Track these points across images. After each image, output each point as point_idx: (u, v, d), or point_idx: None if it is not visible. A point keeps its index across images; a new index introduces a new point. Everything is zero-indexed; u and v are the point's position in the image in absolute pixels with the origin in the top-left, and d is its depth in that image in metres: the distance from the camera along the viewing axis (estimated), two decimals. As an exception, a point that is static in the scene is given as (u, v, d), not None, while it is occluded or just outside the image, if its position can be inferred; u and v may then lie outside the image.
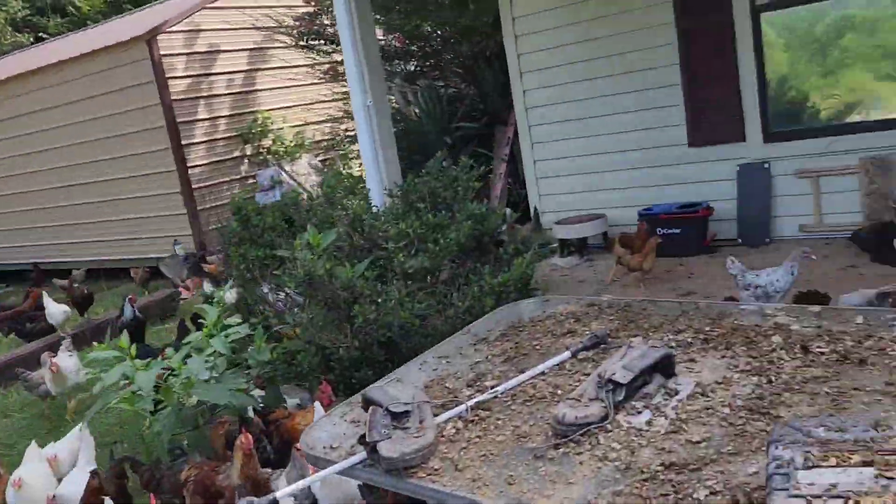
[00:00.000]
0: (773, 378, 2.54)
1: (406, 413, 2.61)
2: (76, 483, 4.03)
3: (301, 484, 2.71)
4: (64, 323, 9.05)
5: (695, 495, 1.97)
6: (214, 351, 4.09)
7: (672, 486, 2.03)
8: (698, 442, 2.23)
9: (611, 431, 2.39)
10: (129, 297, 7.88)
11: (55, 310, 8.96)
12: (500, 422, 2.64)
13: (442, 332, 4.49)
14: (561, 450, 2.36)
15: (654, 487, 2.05)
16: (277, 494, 2.49)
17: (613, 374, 2.54)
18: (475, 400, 2.79)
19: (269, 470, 4.07)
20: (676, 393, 2.54)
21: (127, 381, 4.13)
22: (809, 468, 1.70)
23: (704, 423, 2.33)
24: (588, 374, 2.75)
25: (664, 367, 2.64)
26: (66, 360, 6.24)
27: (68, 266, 12.82)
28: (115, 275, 13.02)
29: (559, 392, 2.74)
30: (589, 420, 2.42)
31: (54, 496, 4.00)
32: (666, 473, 2.10)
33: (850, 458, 1.69)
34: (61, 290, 10.38)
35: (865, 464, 1.66)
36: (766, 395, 2.43)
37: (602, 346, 3.02)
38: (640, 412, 2.46)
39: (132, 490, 4.29)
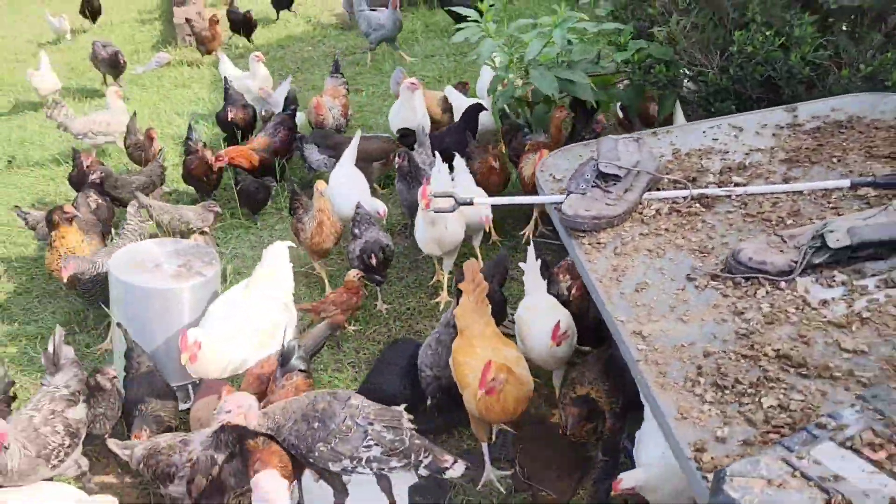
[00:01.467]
0: None
1: (615, 177, 2.54)
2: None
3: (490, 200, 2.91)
4: None
5: (758, 400, 1.74)
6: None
7: (757, 381, 1.80)
8: (849, 350, 1.85)
9: (778, 291, 2.08)
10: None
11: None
12: (700, 225, 2.43)
13: (832, 91, 3.82)
14: (715, 283, 2.15)
15: (737, 369, 1.84)
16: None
17: (831, 230, 2.10)
18: (700, 191, 2.55)
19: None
20: (897, 286, 2.02)
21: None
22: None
23: (882, 335, 1.88)
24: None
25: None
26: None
27: None
28: None
29: (789, 223, 2.36)
30: (764, 268, 2.12)
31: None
32: (770, 364, 1.84)
33: None
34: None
35: None
36: None
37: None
38: (832, 286, 2.06)
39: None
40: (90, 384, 2.80)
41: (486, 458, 2.78)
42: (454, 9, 6.02)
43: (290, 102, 5.35)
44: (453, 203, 2.81)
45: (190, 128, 4.81)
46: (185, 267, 3.34)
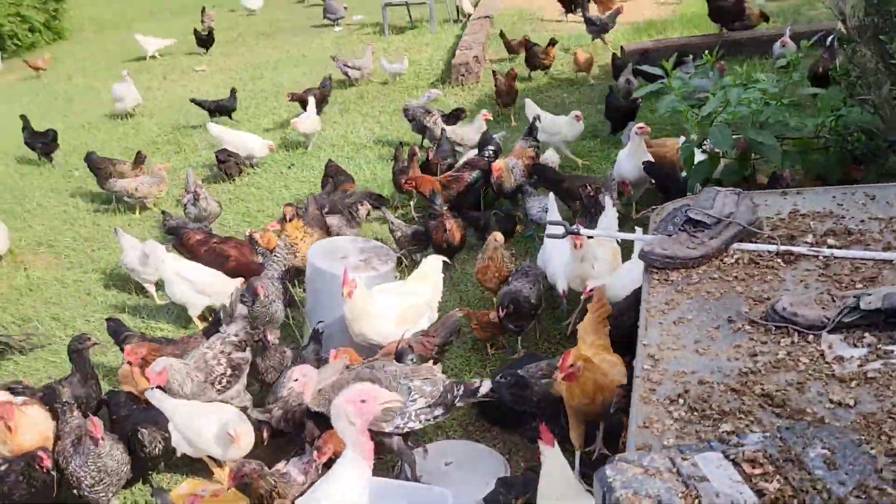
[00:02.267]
0: None
1: (703, 224, 2.72)
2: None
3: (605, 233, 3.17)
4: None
5: (717, 425, 1.90)
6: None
7: (728, 410, 1.95)
8: (833, 402, 1.92)
9: (805, 343, 2.17)
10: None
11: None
12: (770, 277, 2.53)
13: None
14: (750, 328, 2.29)
15: (719, 399, 2.00)
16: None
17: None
18: (786, 248, 2.64)
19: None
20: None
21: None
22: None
23: (876, 395, 1.91)
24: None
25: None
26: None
27: None
28: None
29: (859, 286, 2.38)
30: (795, 319, 2.21)
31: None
32: (751, 400, 1.98)
33: None
34: None
35: None
36: None
37: None
38: (857, 346, 2.10)
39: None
40: (258, 339, 3.58)
41: (577, 465, 3.03)
42: (643, 68, 6.16)
43: (486, 144, 5.78)
44: (564, 231, 3.15)
45: (433, 198, 5.07)
46: (365, 262, 4.03)
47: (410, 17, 13.43)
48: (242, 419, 3.19)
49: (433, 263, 3.89)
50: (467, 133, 6.44)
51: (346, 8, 14.17)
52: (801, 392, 1.97)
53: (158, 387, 3.25)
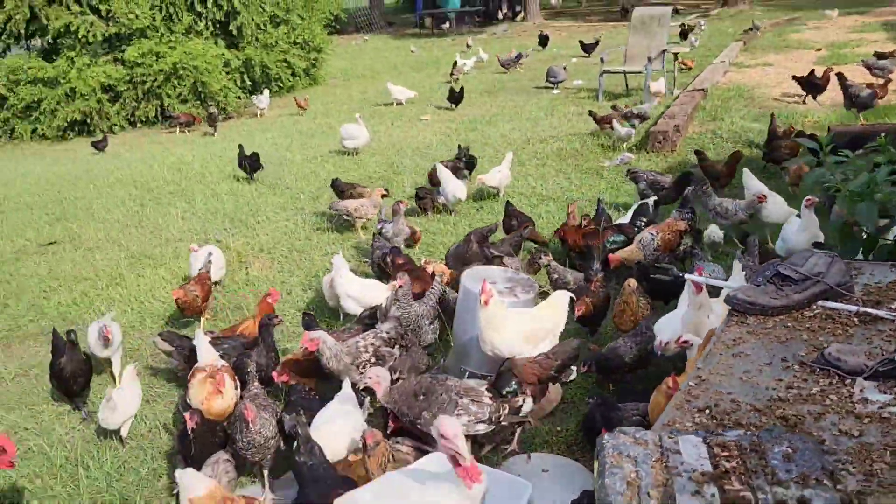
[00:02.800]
0: None
1: (791, 280, 2.97)
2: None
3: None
4: None
5: (725, 431, 2.21)
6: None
7: (742, 423, 2.25)
8: (841, 431, 2.16)
9: (841, 384, 2.40)
10: None
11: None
12: (840, 332, 2.74)
13: None
14: (798, 368, 2.54)
15: (739, 415, 2.30)
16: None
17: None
18: (865, 310, 2.82)
19: None
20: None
21: None
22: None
23: (884, 431, 2.12)
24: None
25: None
26: None
27: None
28: None
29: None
30: (838, 364, 2.44)
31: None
32: (767, 419, 2.26)
33: None
34: None
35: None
36: None
37: None
38: (886, 393, 2.30)
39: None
40: (405, 338, 4.22)
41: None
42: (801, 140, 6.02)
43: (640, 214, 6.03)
44: (671, 274, 3.48)
45: (590, 260, 5.36)
46: (509, 289, 4.56)
47: (627, 85, 13.95)
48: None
49: (562, 296, 4.33)
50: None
51: (565, 69, 15.03)
52: (816, 420, 2.22)
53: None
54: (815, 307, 2.92)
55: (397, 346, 4.27)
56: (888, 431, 2.12)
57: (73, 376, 4.55)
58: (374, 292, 5.13)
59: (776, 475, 1.79)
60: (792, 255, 3.08)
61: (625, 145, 9.71)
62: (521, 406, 3.51)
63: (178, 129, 14.25)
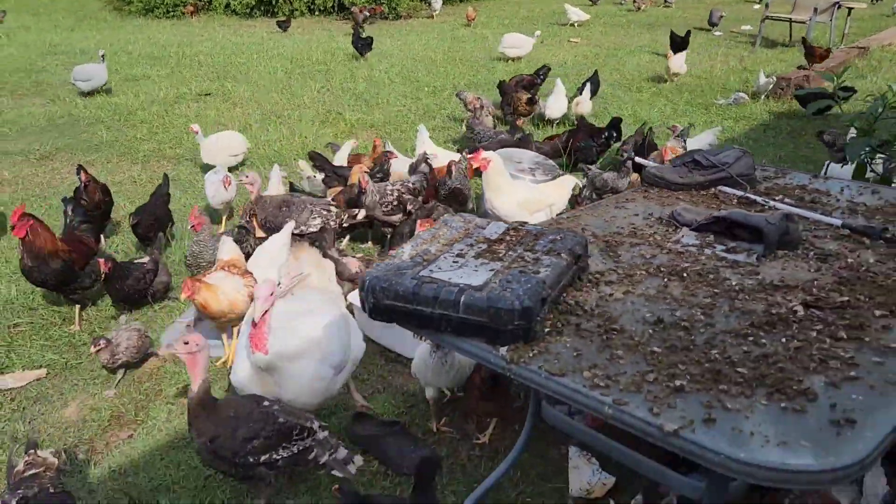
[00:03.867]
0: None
1: (700, 164, 3.46)
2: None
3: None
4: None
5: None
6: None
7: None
8: (643, 257, 2.75)
9: (672, 232, 2.95)
10: None
11: None
12: (713, 204, 3.23)
13: None
14: (654, 220, 3.10)
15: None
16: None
17: (689, 212, 2.90)
18: (745, 194, 3.28)
19: None
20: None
21: None
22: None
23: (670, 262, 2.69)
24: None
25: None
26: None
27: None
28: None
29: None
30: (678, 219, 2.99)
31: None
32: (595, 237, 2.88)
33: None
34: None
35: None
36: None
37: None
38: (697, 240, 2.83)
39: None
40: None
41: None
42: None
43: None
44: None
45: None
46: (531, 170, 5.20)
47: (791, 34, 13.50)
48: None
49: (570, 179, 4.92)
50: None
51: (722, 17, 14.75)
52: (631, 247, 2.80)
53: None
54: (713, 190, 3.40)
55: (420, 196, 5.06)
56: (674, 261, 2.68)
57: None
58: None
59: (533, 246, 2.44)
60: (720, 152, 3.53)
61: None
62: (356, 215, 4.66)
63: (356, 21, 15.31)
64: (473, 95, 7.69)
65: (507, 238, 2.52)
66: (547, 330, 2.16)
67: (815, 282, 2.46)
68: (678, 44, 10.93)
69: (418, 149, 6.08)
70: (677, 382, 1.89)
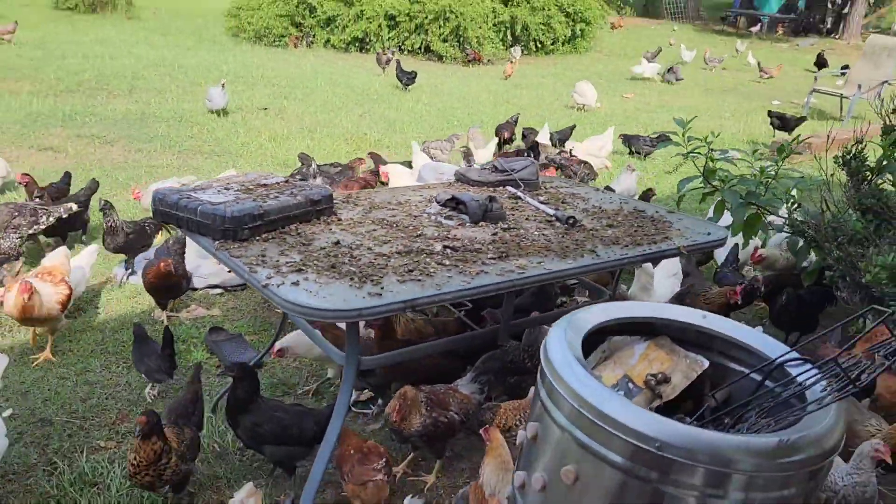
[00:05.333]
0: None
1: (497, 169, 4.47)
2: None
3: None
4: None
5: (336, 199, 3.97)
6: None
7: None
8: (385, 220, 3.80)
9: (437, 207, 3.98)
10: None
11: None
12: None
13: None
14: (437, 203, 4.14)
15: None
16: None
17: (477, 197, 3.89)
18: (517, 192, 4.26)
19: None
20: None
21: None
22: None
23: (409, 221, 3.73)
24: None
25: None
26: None
27: None
28: None
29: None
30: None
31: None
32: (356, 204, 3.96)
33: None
34: None
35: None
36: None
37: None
38: (440, 213, 3.85)
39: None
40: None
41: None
42: None
43: None
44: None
45: None
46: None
47: (841, 108, 13.82)
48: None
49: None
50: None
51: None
52: (389, 209, 3.84)
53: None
54: (500, 189, 4.38)
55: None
56: (405, 219, 3.70)
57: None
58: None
59: (283, 190, 3.55)
60: (518, 162, 4.51)
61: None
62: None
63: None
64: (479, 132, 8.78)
65: (276, 185, 3.65)
66: (262, 238, 3.25)
67: (477, 237, 3.45)
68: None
69: (414, 163, 7.27)
70: (305, 269, 2.95)
